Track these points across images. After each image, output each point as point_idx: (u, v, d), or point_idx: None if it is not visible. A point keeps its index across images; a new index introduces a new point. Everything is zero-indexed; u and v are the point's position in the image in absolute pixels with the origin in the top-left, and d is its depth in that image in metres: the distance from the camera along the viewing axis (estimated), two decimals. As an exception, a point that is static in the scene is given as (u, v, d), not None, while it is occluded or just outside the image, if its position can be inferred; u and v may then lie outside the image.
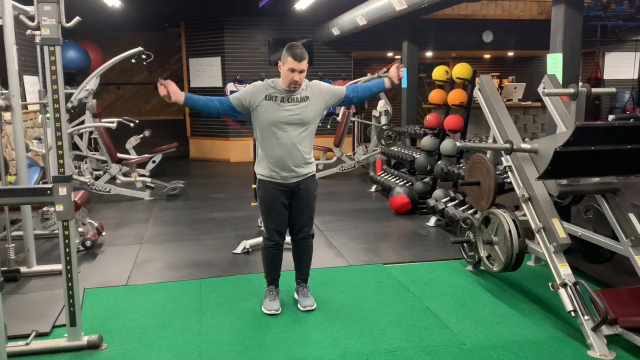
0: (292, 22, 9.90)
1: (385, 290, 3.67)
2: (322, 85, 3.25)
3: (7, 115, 4.07)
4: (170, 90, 3.01)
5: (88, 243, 4.52)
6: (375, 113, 8.03)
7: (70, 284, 2.74)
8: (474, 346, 2.88)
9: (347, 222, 5.56)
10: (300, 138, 3.14)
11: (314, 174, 3.30)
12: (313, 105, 3.16)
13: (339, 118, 8.28)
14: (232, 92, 9.98)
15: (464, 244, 4.05)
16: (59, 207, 2.62)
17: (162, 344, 2.94)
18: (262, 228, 3.42)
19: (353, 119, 8.61)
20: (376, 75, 7.97)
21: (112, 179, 6.96)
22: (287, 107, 3.10)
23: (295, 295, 3.47)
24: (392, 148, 6.94)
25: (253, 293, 3.62)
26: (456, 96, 5.61)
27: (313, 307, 3.33)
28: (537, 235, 3.30)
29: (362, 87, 3.40)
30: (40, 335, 2.97)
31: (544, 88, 3.83)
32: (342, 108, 8.06)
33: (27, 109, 7.06)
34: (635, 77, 11.11)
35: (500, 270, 3.53)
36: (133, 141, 7.89)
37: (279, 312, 3.29)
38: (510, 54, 12.05)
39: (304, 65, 3.05)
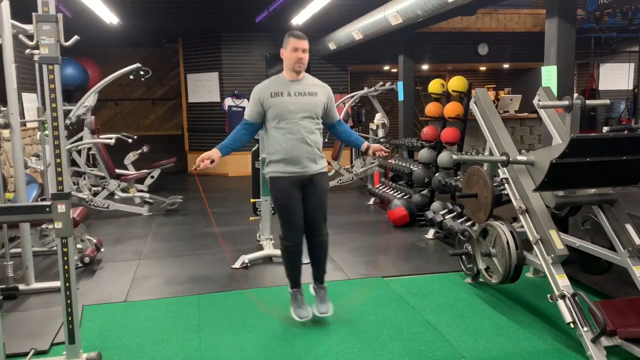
0: (289, 37, 9.97)
1: (385, 304, 3.67)
2: (330, 92, 3.34)
3: (5, 133, 4.08)
4: (207, 159, 3.07)
5: (87, 260, 4.51)
6: (372, 126, 8.07)
7: (68, 301, 2.74)
8: (474, 359, 2.87)
9: (345, 235, 5.56)
10: (310, 131, 3.17)
11: (326, 171, 3.32)
12: (320, 100, 3.24)
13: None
14: (230, 106, 10.03)
15: (463, 256, 4.06)
16: (58, 224, 2.63)
17: (161, 361, 2.93)
18: (279, 229, 3.37)
19: (350, 132, 8.64)
20: (372, 89, 8.04)
21: (111, 195, 6.96)
22: (295, 100, 3.15)
23: (312, 291, 3.46)
24: (390, 161, 6.97)
25: (252, 308, 3.61)
26: (452, 109, 5.65)
27: (329, 314, 3.32)
28: (535, 247, 3.31)
29: (347, 131, 3.50)
30: (39, 354, 2.96)
31: (539, 100, 3.86)
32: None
33: (25, 126, 7.08)
34: (630, 87, 11.19)
35: (498, 282, 3.53)
36: (131, 157, 7.90)
37: (310, 317, 3.29)
38: (506, 66, 12.13)
39: (306, 44, 3.17)
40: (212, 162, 3.11)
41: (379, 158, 3.40)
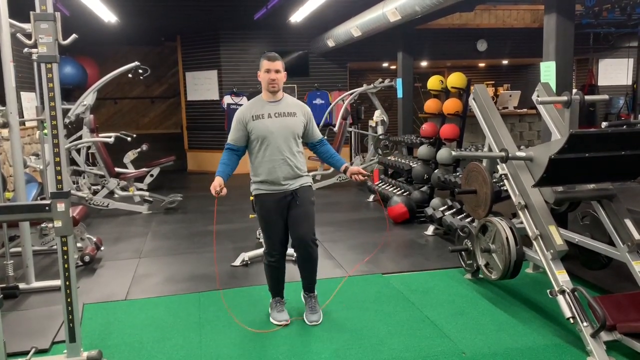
0: (287, 35, 9.97)
1: (385, 300, 3.67)
2: (309, 111, 3.37)
3: (4, 132, 4.08)
4: (220, 186, 3.16)
5: (87, 258, 4.52)
6: (371, 123, 8.08)
7: (69, 300, 2.74)
8: (474, 355, 2.88)
9: (345, 233, 5.56)
10: (291, 152, 3.20)
11: (310, 185, 3.33)
12: (299, 120, 3.27)
13: (335, 129, 8.32)
14: (229, 104, 10.02)
15: (462, 253, 4.06)
16: (58, 223, 2.63)
17: (161, 359, 2.93)
18: (262, 243, 3.42)
19: (350, 129, 8.64)
20: (371, 86, 8.04)
21: (110, 194, 6.96)
22: (276, 121, 3.19)
23: (302, 299, 3.45)
24: (389, 157, 6.97)
25: (252, 305, 3.62)
26: (451, 105, 5.65)
27: (318, 322, 3.31)
28: (534, 243, 3.31)
29: (329, 151, 3.45)
30: (40, 352, 2.96)
31: (538, 96, 3.87)
32: (339, 118, 8.12)
33: (24, 125, 7.08)
34: (629, 83, 11.19)
35: (498, 278, 3.54)
36: (131, 155, 7.90)
37: (289, 322, 3.30)
38: (505, 62, 12.13)
39: (278, 65, 3.18)
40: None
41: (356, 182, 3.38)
